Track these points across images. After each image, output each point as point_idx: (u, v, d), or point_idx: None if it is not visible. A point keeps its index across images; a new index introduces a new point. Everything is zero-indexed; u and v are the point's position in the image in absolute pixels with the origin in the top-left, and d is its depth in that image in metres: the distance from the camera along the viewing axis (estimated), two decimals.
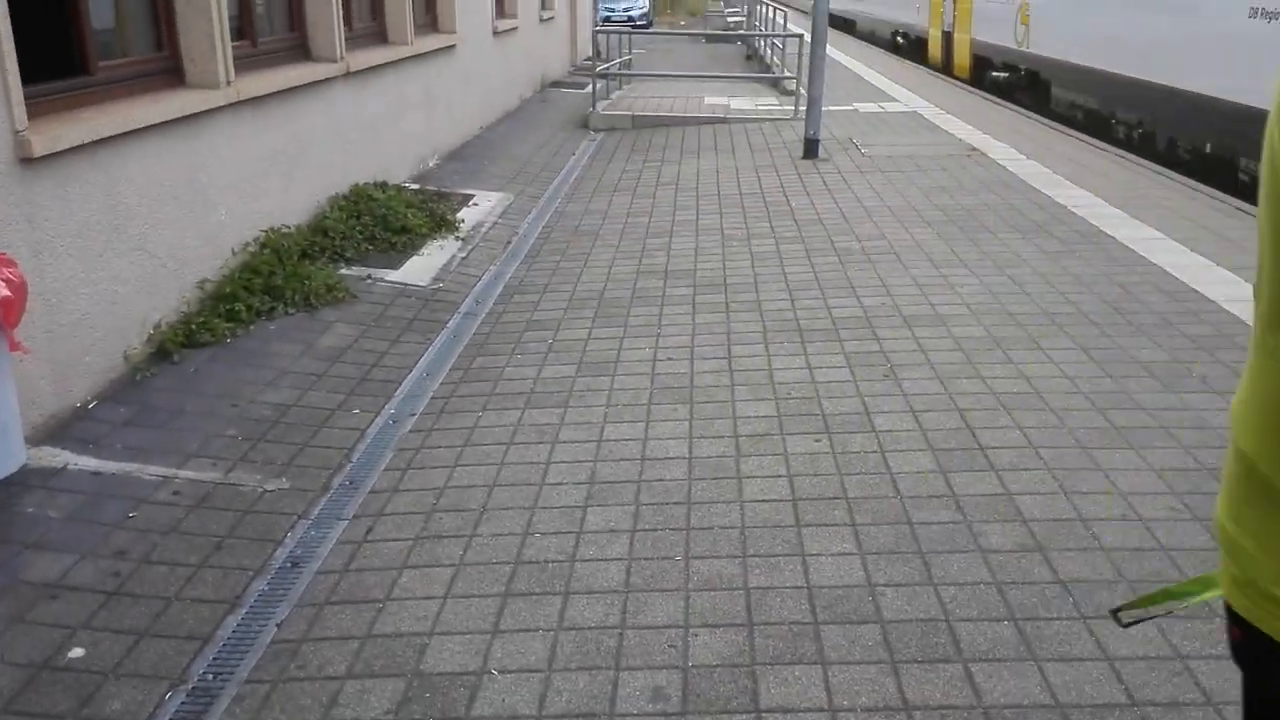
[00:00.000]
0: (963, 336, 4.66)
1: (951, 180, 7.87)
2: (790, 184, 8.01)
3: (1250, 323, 0.98)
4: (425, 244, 6.21)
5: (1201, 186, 7.42)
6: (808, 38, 12.05)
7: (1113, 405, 3.89)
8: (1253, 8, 6.88)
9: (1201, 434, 3.63)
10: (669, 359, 4.56)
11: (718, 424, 3.88)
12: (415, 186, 7.47)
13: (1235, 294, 5.05)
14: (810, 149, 8.97)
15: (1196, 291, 5.12)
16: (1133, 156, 8.73)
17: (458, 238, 6.51)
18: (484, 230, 6.82)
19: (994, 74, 13.27)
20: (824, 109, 9.18)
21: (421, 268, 5.86)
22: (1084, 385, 4.09)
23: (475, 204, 7.37)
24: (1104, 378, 4.16)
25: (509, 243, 6.67)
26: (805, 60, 11.47)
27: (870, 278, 5.57)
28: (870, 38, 22.76)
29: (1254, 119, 6.73)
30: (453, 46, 9.36)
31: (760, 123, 11.15)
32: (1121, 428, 3.71)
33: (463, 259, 6.18)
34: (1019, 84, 12.54)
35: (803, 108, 11.06)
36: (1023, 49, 12.22)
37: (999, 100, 12.57)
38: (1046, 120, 10.81)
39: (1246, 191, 6.97)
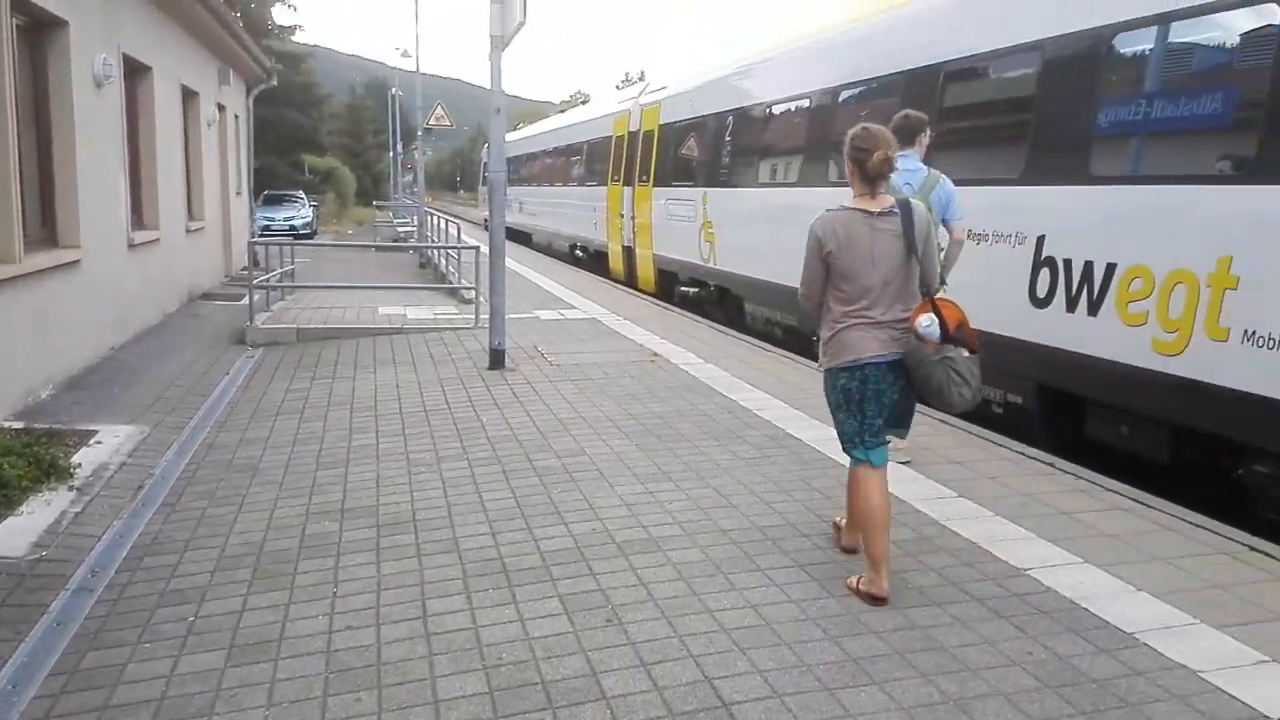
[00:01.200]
0: (681, 563, 4.28)
1: (641, 387, 7.81)
2: (479, 397, 7.55)
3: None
4: (26, 500, 4.96)
5: None
6: (484, 249, 12.07)
7: (844, 631, 3.63)
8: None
9: (935, 656, 3.43)
10: (349, 628, 3.74)
11: (414, 715, 3.12)
12: (18, 425, 6.13)
13: (921, 492, 5.16)
14: (496, 359, 8.64)
15: (891, 494, 5.16)
16: (800, 357, 9.24)
17: (72, 487, 5.29)
18: (108, 475, 5.63)
19: (682, 289, 13.64)
20: (507, 317, 8.95)
21: (17, 532, 4.61)
22: (810, 609, 3.81)
23: (98, 442, 6.15)
24: (826, 598, 3.93)
25: (141, 489, 5.52)
26: (485, 270, 11.41)
27: (576, 499, 5.13)
28: (548, 249, 23.56)
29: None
30: (76, 262, 8.17)
31: (440, 332, 10.75)
32: (858, 658, 3.43)
33: (77, 515, 4.97)
34: (709, 299, 12.86)
35: (484, 316, 10.87)
36: (709, 265, 12.52)
37: (670, 307, 13.14)
38: (717, 325, 11.33)
39: (971, 414, 7.12)
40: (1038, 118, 6.48)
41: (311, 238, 28.76)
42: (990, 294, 6.62)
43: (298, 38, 49.74)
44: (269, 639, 3.66)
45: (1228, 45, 5.27)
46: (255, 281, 11.20)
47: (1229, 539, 4.47)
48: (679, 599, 3.92)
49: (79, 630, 3.79)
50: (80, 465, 5.62)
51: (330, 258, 21.99)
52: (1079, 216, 6.04)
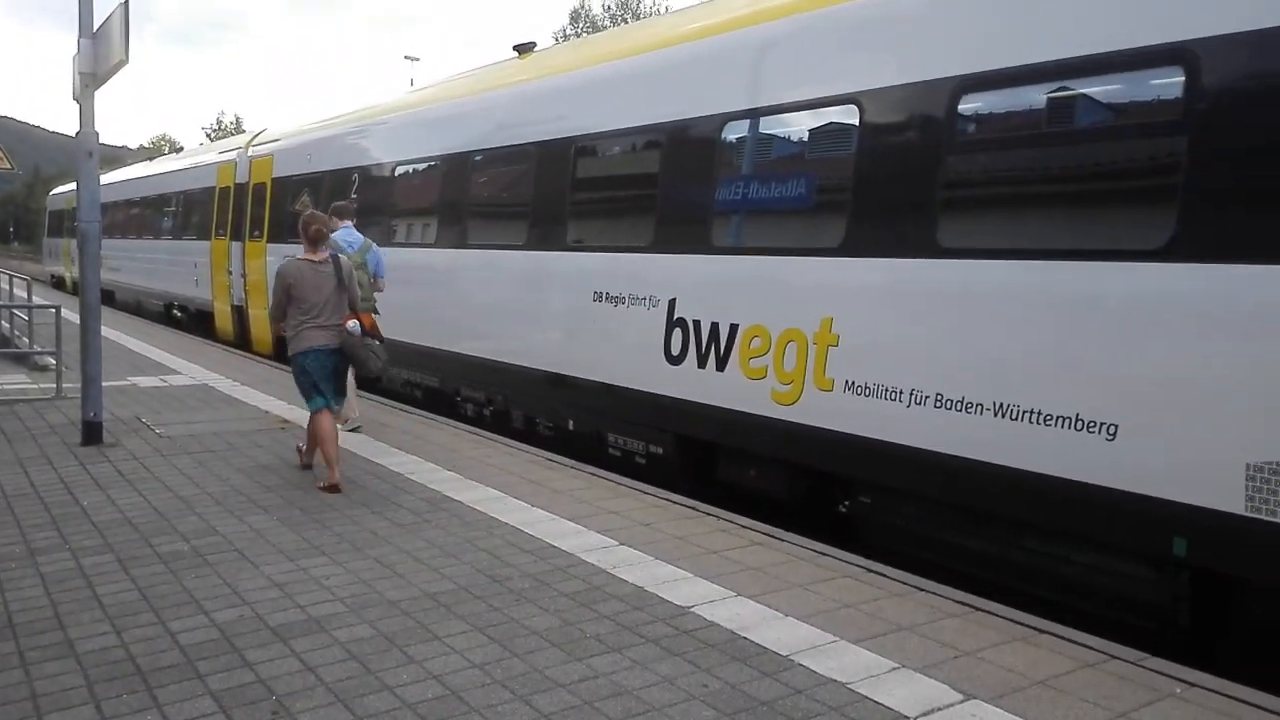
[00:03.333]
0: (350, 640, 3.99)
1: (272, 457, 7.22)
2: (74, 478, 6.50)
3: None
4: None
5: (517, 443, 7.97)
6: (66, 311, 10.52)
7: (533, 689, 3.60)
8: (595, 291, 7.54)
9: (622, 701, 3.51)
10: None
11: None
12: None
13: (586, 544, 5.30)
14: (91, 433, 7.52)
15: (554, 546, 5.25)
16: (441, 418, 9.10)
17: None
18: None
19: None
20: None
21: None
22: (496, 672, 3.73)
23: None
24: (511, 658, 3.87)
25: None
26: (67, 333, 9.94)
27: (215, 585, 4.58)
28: (137, 309, 21.04)
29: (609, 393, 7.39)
30: None
31: (13, 405, 9.15)
32: (550, 714, 3.41)
33: None
34: None
35: (67, 385, 9.47)
36: None
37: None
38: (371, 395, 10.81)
39: (617, 465, 7.33)
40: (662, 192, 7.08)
41: None
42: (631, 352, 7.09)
43: None
44: None
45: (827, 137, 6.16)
46: None
47: (850, 563, 5.09)
48: (353, 680, 3.64)
49: None
50: None
51: None
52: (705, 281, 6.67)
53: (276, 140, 14.69)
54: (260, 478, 6.60)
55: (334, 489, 6.23)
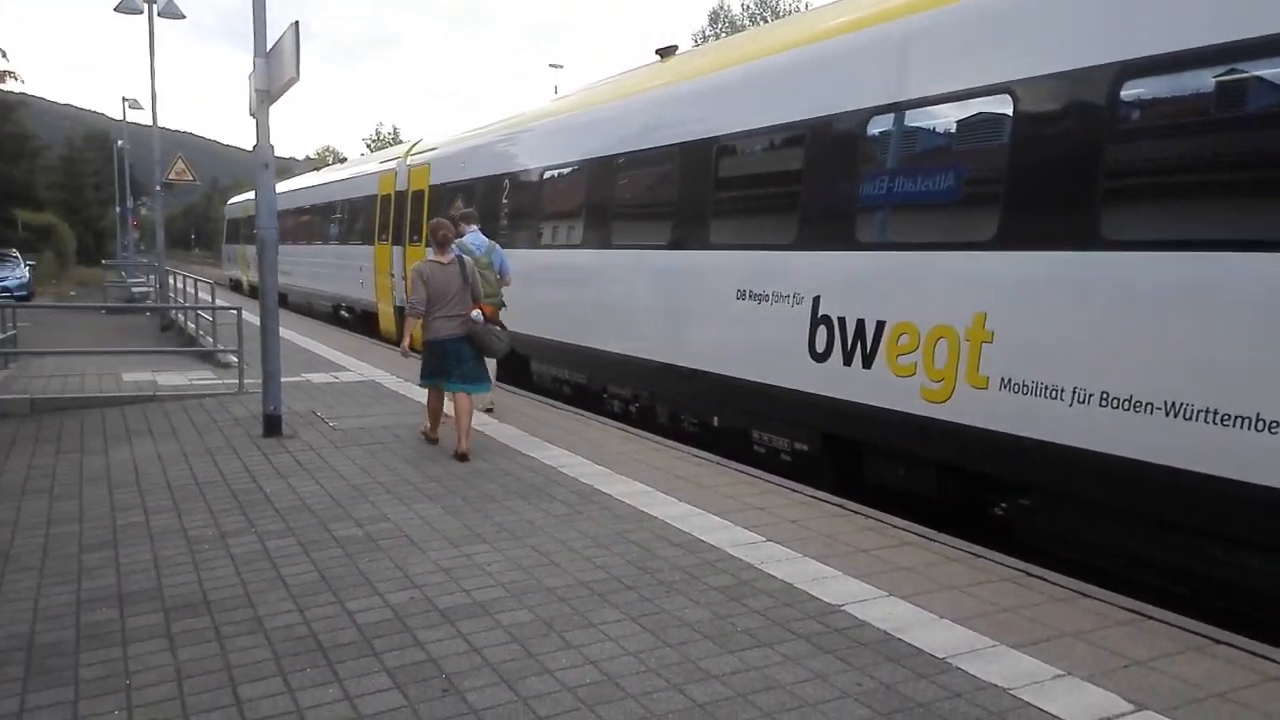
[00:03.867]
0: (512, 625, 4.18)
1: (435, 450, 7.59)
2: (258, 467, 7.03)
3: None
4: None
5: (664, 440, 8.11)
6: (246, 313, 11.34)
7: (686, 679, 3.68)
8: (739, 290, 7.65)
9: (775, 695, 3.55)
10: None
11: None
12: None
13: (734, 539, 5.35)
14: (272, 426, 8.10)
15: (702, 540, 5.33)
16: (590, 414, 9.35)
17: None
18: None
19: None
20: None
21: None
22: (650, 660, 3.84)
23: None
24: (664, 647, 3.97)
25: None
26: (248, 332, 10.71)
27: (387, 568, 4.88)
28: (308, 310, 22.39)
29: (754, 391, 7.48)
30: None
31: (200, 399, 9.94)
32: (704, 703, 3.48)
33: None
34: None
35: (249, 381, 10.20)
36: None
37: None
38: (504, 385, 11.23)
39: (762, 461, 7.41)
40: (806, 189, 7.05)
41: (28, 300, 25.80)
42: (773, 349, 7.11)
43: (7, 85, 45.13)
44: None
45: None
46: None
47: (1007, 566, 4.96)
48: (516, 662, 3.82)
49: None
50: None
51: (55, 321, 19.86)
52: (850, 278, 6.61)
53: (433, 149, 15.35)
54: (425, 469, 6.96)
55: (463, 456, 7.23)
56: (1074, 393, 5.10)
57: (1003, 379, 5.49)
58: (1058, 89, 5.32)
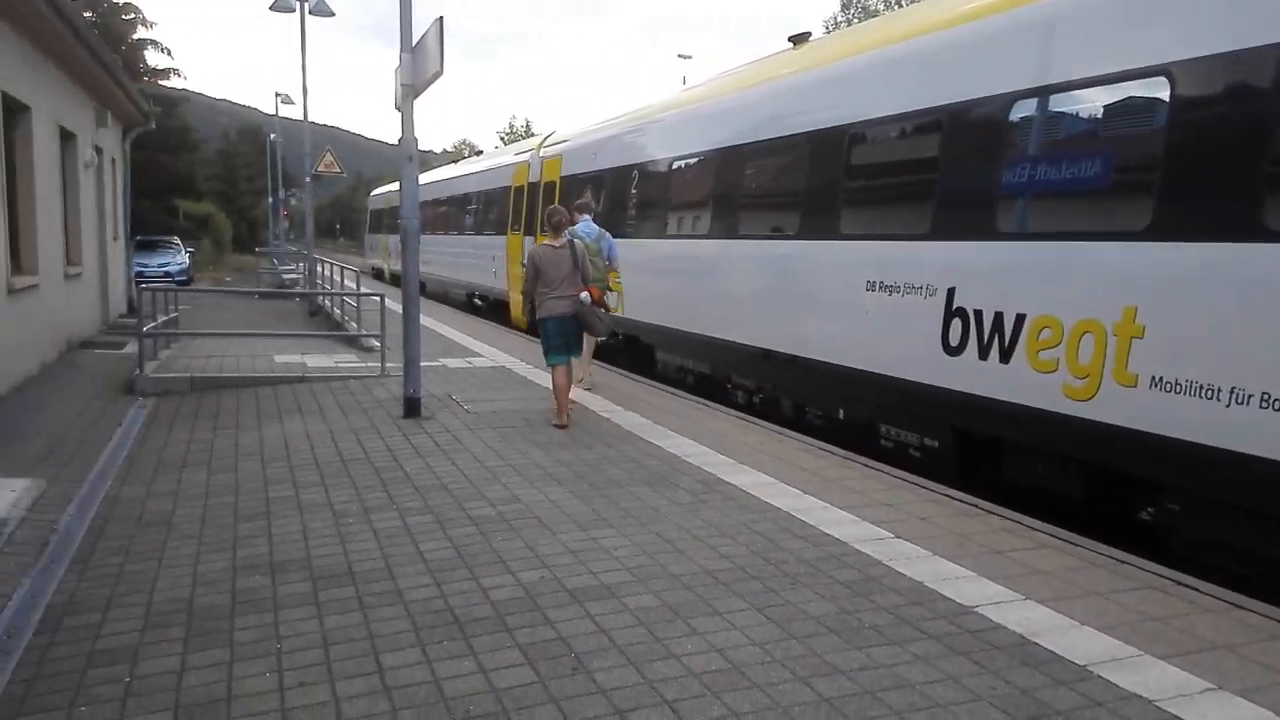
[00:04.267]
0: (639, 608, 4.24)
1: (565, 435, 7.75)
2: (398, 446, 7.35)
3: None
4: None
5: (788, 431, 8.06)
6: (389, 300, 11.81)
7: (812, 672, 3.66)
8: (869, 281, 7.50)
9: (904, 694, 3.49)
10: (301, 685, 3.55)
11: None
12: None
13: (860, 534, 5.28)
14: (411, 407, 8.44)
15: (827, 534, 5.27)
16: (714, 403, 9.37)
17: None
18: (9, 531, 5.22)
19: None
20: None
21: None
22: (775, 651, 3.83)
23: None
24: (789, 639, 3.96)
25: (47, 545, 5.14)
26: (390, 318, 11.17)
27: (519, 548, 5.03)
28: (443, 298, 23.16)
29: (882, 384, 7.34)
30: None
31: (346, 381, 10.44)
32: (831, 698, 3.46)
33: None
34: (617, 347, 12.71)
35: (390, 364, 10.64)
36: (617, 313, 12.11)
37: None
38: (628, 373, 11.37)
39: (889, 456, 7.26)
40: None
41: (188, 285, 27.59)
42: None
43: (171, 82, 48.19)
44: (217, 698, 3.44)
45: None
46: (145, 328, 10.65)
47: (1154, 574, 4.72)
48: (642, 645, 3.88)
49: (2, 695, 3.48)
50: None
51: (213, 305, 21.18)
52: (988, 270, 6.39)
53: (565, 141, 15.62)
54: (555, 454, 7.12)
55: (563, 427, 7.95)
56: (1232, 393, 4.81)
57: (1154, 377, 5.22)
58: (1220, 71, 5.00)
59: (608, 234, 9.76)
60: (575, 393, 8.81)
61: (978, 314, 6.42)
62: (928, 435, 7.06)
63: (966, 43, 6.81)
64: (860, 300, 7.55)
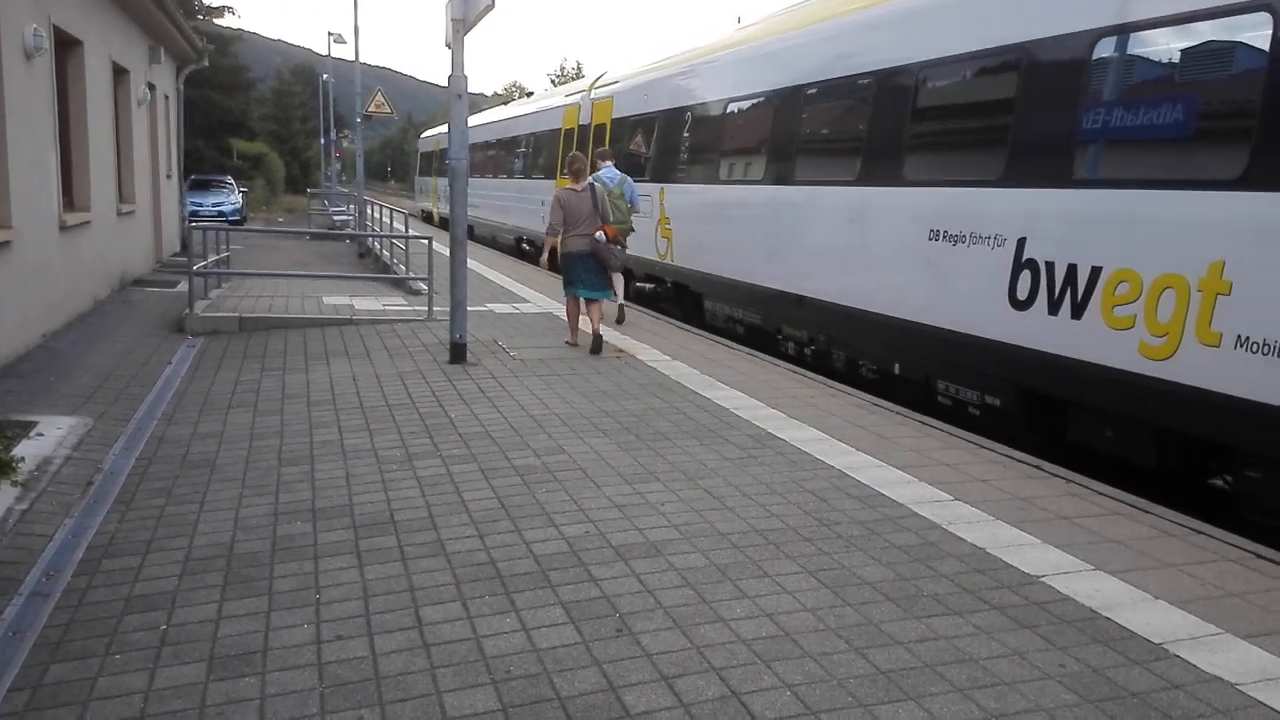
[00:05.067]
0: (686, 568, 4.09)
1: (610, 384, 7.60)
2: (443, 392, 7.25)
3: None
4: None
5: (840, 385, 7.81)
6: (436, 243, 11.70)
7: (868, 642, 3.48)
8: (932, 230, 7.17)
9: (967, 669, 3.30)
10: (339, 638, 3.46)
11: None
12: None
13: (918, 495, 5.06)
14: (457, 353, 8.34)
15: (883, 495, 5.06)
16: (764, 355, 9.14)
17: (16, 483, 4.88)
18: (54, 470, 5.21)
19: (638, 284, 13.33)
20: None
21: None
22: (829, 619, 3.66)
23: (40, 434, 5.71)
24: (843, 606, 3.78)
25: (90, 485, 5.13)
26: (437, 262, 11.05)
27: (563, 501, 4.90)
28: (491, 242, 23.04)
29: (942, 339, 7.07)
30: (7, 243, 7.64)
31: (393, 324, 10.38)
32: (888, 671, 3.28)
33: (24, 513, 4.58)
34: (666, 295, 12.60)
35: (437, 309, 10.55)
36: (666, 261, 12.26)
37: (627, 303, 12.88)
38: (676, 322, 11.16)
39: (946, 414, 7.00)
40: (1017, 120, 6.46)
41: (241, 224, 27.81)
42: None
43: (225, 20, 48.20)
44: (252, 650, 3.36)
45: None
46: (196, 267, 10.66)
47: (1232, 545, 4.45)
48: (689, 607, 3.73)
49: (38, 640, 3.45)
50: (23, 459, 5.19)
51: (263, 245, 21.31)
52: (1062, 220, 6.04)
53: (616, 83, 15.24)
54: (600, 403, 6.97)
55: (572, 345, 9.20)
56: None
57: (1239, 337, 4.89)
58: None
59: (629, 179, 10.24)
60: (609, 333, 9.66)
61: (1049, 266, 6.08)
62: (989, 393, 6.78)
63: None
64: (922, 249, 7.23)
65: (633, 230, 10.07)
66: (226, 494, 5.01)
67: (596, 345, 8.82)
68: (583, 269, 9.19)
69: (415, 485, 5.15)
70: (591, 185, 9.18)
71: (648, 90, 13.50)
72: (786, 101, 9.47)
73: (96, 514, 4.72)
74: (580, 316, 9.44)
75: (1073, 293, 5.91)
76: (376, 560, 4.15)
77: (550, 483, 5.19)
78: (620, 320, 10.72)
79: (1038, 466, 5.67)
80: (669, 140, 12.45)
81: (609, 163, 10.31)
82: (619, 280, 10.40)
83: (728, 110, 10.85)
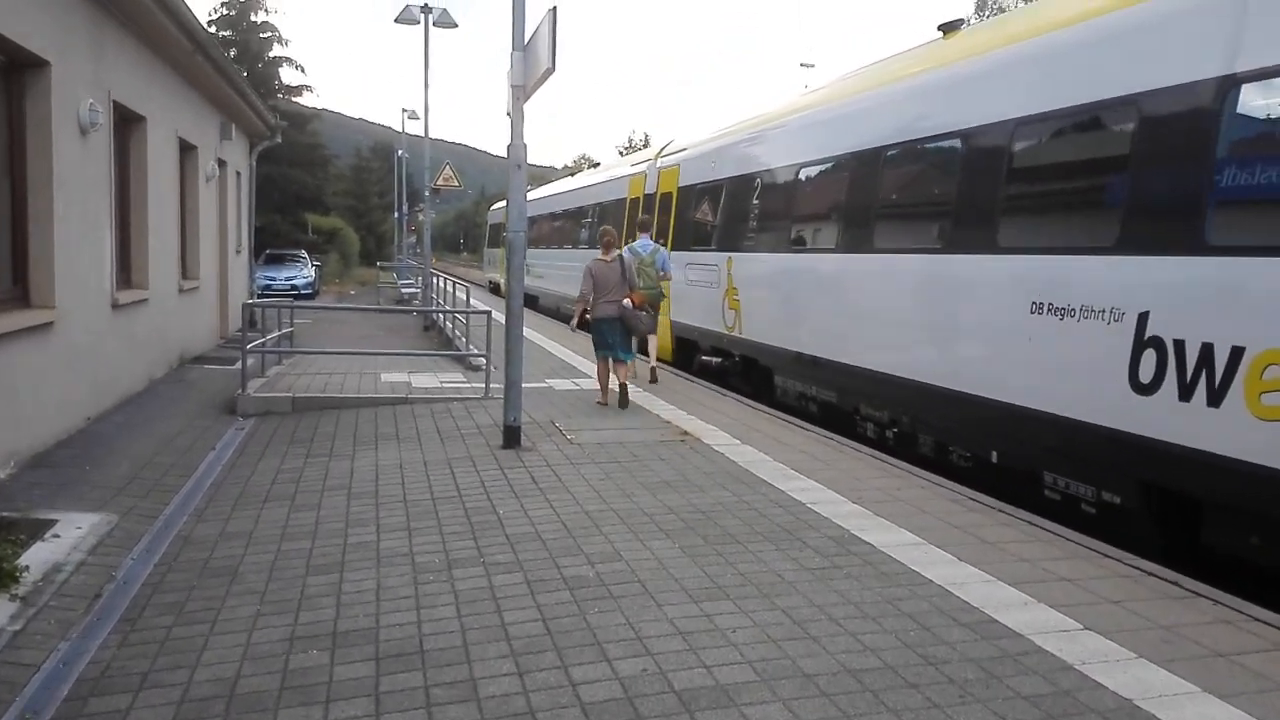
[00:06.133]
0: None
1: (674, 473, 6.95)
2: (493, 483, 6.68)
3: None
4: None
5: (929, 475, 7.04)
6: (496, 315, 11.29)
7: None
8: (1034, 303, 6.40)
9: None
10: None
11: None
12: None
13: (1038, 622, 4.26)
14: (511, 437, 7.78)
15: (997, 622, 4.28)
16: (841, 438, 8.41)
17: (15, 596, 4.41)
18: (61, 579, 4.74)
19: (703, 358, 12.77)
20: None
21: None
22: None
23: (55, 535, 5.28)
24: None
25: (98, 598, 4.63)
26: (496, 336, 10.61)
27: (618, 624, 4.23)
28: (555, 313, 22.73)
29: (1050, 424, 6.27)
30: (49, 324, 7.38)
31: (448, 403, 9.91)
32: None
33: (15, 635, 4.09)
34: (733, 369, 11.98)
35: (494, 385, 10.07)
36: (734, 333, 11.64)
37: (692, 378, 12.30)
38: (745, 400, 10.50)
39: (1054, 511, 6.19)
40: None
41: (313, 298, 28.08)
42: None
43: (305, 100, 49.82)
44: None
45: None
46: (249, 346, 10.39)
47: None
48: None
49: None
50: (28, 568, 4.74)
51: (332, 319, 21.30)
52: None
53: (682, 150, 14.86)
54: (663, 496, 6.31)
55: (603, 404, 9.74)
56: None
57: None
58: None
59: (662, 248, 11.28)
60: (674, 414, 9.42)
61: (1178, 345, 5.30)
62: (1106, 488, 5.95)
63: (1160, 22, 5.70)
64: (1023, 324, 6.48)
65: (663, 296, 11.21)
66: (243, 611, 4.46)
67: (623, 399, 9.54)
68: (610, 333, 9.81)
69: (452, 601, 4.53)
70: (621, 257, 9.91)
71: (714, 157, 13.05)
72: (864, 164, 8.87)
73: (96, 636, 4.21)
74: (610, 375, 10.00)
75: (1209, 376, 5.10)
76: (396, 707, 3.52)
77: (604, 599, 4.53)
78: (653, 380, 11.29)
79: (1175, 583, 4.82)
80: (737, 207, 11.93)
81: (645, 235, 11.38)
82: (652, 342, 11.36)
83: (800, 176, 10.29)
